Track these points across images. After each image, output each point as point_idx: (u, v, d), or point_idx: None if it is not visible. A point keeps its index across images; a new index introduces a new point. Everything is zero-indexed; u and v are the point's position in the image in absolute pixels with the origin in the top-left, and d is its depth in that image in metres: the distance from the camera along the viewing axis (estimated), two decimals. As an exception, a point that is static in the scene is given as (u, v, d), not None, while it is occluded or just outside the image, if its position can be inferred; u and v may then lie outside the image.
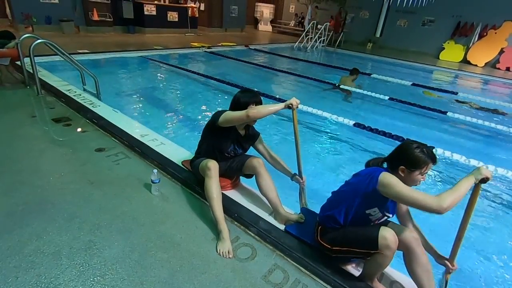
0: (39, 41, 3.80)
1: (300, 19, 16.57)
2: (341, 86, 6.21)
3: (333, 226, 1.64)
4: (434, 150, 3.60)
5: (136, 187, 2.29)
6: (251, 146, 2.29)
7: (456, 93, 7.01)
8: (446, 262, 1.62)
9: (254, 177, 2.16)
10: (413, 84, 7.26)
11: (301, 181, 2.23)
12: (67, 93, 4.05)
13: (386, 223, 1.59)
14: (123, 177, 2.39)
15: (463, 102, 6.63)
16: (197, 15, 12.16)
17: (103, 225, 1.87)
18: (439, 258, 1.66)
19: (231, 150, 2.17)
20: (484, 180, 1.38)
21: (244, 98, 2.02)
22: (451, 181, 3.36)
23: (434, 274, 1.54)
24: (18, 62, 4.17)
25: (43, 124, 3.22)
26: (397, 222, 1.71)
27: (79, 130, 3.11)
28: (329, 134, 4.40)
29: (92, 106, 3.70)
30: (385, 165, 1.61)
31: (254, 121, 2.12)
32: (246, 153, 2.28)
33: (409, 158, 1.46)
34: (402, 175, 1.49)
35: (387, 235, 1.42)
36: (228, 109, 2.07)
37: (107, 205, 2.06)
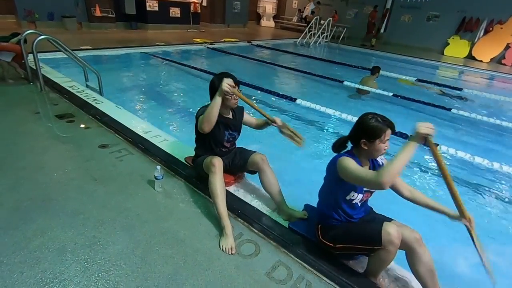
0: (42, 37, 3.80)
1: (302, 14, 16.42)
2: (360, 87, 5.88)
3: (332, 224, 1.65)
4: (438, 147, 3.59)
5: (139, 184, 2.29)
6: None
7: (460, 89, 6.94)
8: (460, 219, 1.52)
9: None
10: (418, 80, 7.20)
11: (275, 124, 2.16)
12: (70, 89, 4.06)
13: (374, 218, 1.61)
14: (127, 173, 2.40)
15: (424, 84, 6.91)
16: (199, 11, 12.10)
17: (107, 221, 1.88)
18: (451, 217, 1.59)
19: (228, 138, 2.16)
20: (427, 137, 1.36)
21: (218, 82, 1.93)
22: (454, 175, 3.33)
23: (439, 271, 1.53)
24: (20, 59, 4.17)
25: (47, 120, 3.23)
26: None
27: (82, 127, 3.11)
28: (331, 130, 4.38)
29: (95, 102, 3.70)
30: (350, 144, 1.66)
31: (235, 103, 2.10)
32: (247, 149, 2.28)
33: (366, 130, 1.49)
34: (365, 148, 1.52)
35: (390, 230, 1.41)
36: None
37: (110, 202, 2.06)
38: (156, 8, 10.56)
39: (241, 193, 2.29)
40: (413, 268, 1.51)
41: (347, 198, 1.58)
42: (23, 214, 1.85)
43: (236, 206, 2.11)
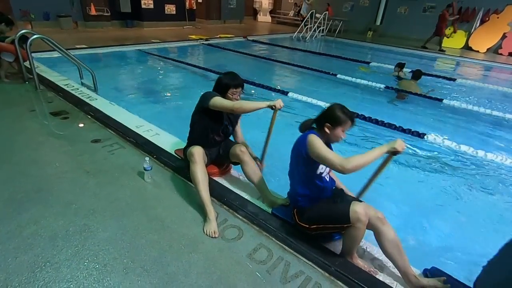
0: (35, 36, 3.87)
1: (298, 8, 16.37)
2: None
3: (306, 206, 1.74)
4: (425, 136, 3.66)
5: (130, 175, 2.38)
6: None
7: (454, 80, 6.98)
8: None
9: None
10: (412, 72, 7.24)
11: (260, 165, 2.38)
12: (65, 87, 4.14)
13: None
14: (118, 166, 2.49)
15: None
16: (194, 8, 12.12)
17: (98, 211, 1.97)
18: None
19: (224, 128, 2.26)
20: (395, 153, 1.59)
21: (225, 80, 2.13)
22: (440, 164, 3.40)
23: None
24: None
25: (42, 117, 3.32)
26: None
27: (76, 123, 3.20)
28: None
29: (90, 100, 3.79)
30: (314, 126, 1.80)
31: (239, 97, 2.21)
32: (232, 141, 2.37)
33: (332, 116, 1.67)
34: (328, 131, 1.69)
35: (357, 209, 1.51)
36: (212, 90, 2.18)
37: (101, 192, 2.15)
38: (151, 6, 10.59)
39: (227, 183, 2.37)
40: (381, 246, 1.60)
41: (317, 172, 1.71)
42: (17, 205, 1.95)
43: (222, 194, 2.20)
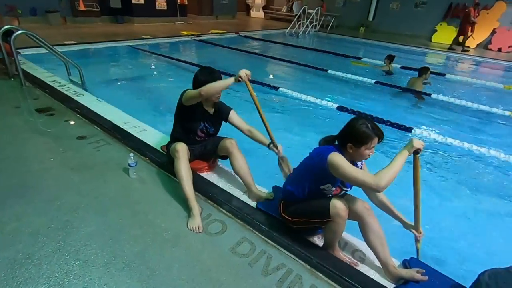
0: (19, 32, 3.81)
1: (291, 4, 16.33)
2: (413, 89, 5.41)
3: (293, 200, 1.74)
4: (413, 130, 3.70)
5: (115, 171, 2.37)
6: (227, 123, 2.33)
7: (444, 75, 7.06)
8: (412, 230, 1.74)
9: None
10: (402, 67, 7.31)
11: (276, 150, 2.19)
12: (51, 84, 4.08)
13: (343, 196, 1.69)
14: (103, 162, 2.47)
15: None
16: (186, 3, 11.98)
17: (81, 207, 1.96)
18: (406, 226, 1.78)
19: (202, 129, 2.24)
20: (417, 151, 1.49)
21: (202, 76, 2.07)
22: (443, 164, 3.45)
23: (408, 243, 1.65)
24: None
25: (27, 114, 3.28)
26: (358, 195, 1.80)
27: (62, 120, 3.16)
28: (315, 117, 4.46)
29: (76, 96, 3.75)
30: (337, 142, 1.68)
31: (217, 98, 2.17)
32: (219, 135, 2.36)
33: (354, 135, 1.52)
34: (350, 151, 1.55)
35: (336, 204, 1.53)
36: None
37: (86, 189, 2.14)
38: (142, 1, 10.44)
39: (213, 178, 2.38)
40: (365, 237, 1.63)
41: (321, 187, 1.63)
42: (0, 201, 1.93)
43: (207, 189, 2.21)
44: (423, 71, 5.46)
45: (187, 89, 2.10)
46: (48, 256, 1.59)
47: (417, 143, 1.46)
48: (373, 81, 5.91)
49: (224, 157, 2.34)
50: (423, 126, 4.15)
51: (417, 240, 1.78)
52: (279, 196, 2.09)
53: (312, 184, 1.65)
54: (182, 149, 2.03)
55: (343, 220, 1.54)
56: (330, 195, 1.66)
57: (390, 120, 3.98)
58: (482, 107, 4.87)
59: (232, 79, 1.98)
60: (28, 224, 1.78)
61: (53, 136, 2.82)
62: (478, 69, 9.21)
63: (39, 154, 2.51)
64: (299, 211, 1.69)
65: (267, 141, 2.22)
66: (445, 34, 12.37)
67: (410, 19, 13.20)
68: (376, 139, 1.50)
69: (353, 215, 1.59)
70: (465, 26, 10.84)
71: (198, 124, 2.22)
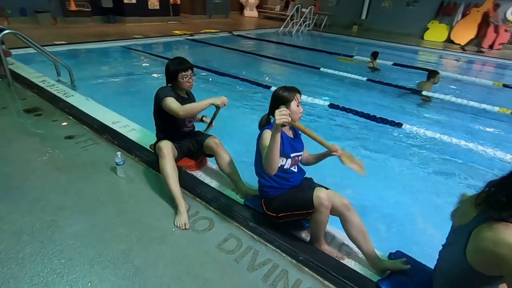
0: (7, 31, 3.77)
1: (284, 3, 16.35)
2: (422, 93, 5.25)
3: (272, 195, 1.76)
4: (403, 126, 3.74)
5: (102, 171, 2.36)
6: None
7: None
8: (332, 153, 1.72)
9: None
10: (394, 64, 7.37)
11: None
12: (40, 84, 4.04)
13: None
14: (90, 162, 2.46)
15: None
16: (179, 2, 11.91)
17: (67, 206, 1.95)
18: (326, 154, 1.81)
19: (188, 119, 2.24)
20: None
21: (173, 66, 2.10)
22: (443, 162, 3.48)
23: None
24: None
25: (14, 115, 3.24)
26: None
27: (50, 120, 3.13)
28: (306, 116, 4.48)
29: (65, 96, 3.71)
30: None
31: (189, 86, 2.20)
32: (205, 133, 2.36)
33: (280, 98, 1.69)
34: None
35: (320, 194, 1.54)
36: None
37: (72, 188, 2.13)
38: (134, 1, 10.37)
39: (201, 175, 2.38)
40: (347, 232, 1.64)
41: (279, 165, 1.68)
42: (-18, 203, 1.91)
43: (195, 187, 2.21)
44: (432, 74, 5.38)
45: (164, 94, 2.08)
46: (32, 256, 1.58)
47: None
48: (364, 78, 5.94)
49: (211, 156, 2.34)
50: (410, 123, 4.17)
51: (340, 157, 1.71)
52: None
53: None
54: (166, 146, 2.03)
55: (326, 209, 1.55)
56: (292, 169, 1.76)
57: (382, 117, 4.02)
58: (482, 104, 4.87)
59: (208, 102, 2.05)
60: (11, 224, 1.77)
61: (41, 137, 2.79)
62: (468, 66, 9.32)
63: (25, 154, 2.49)
64: (283, 206, 1.70)
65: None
66: (436, 31, 12.49)
67: (402, 17, 13.28)
68: (298, 94, 1.71)
69: (333, 210, 1.61)
70: (483, 27, 10.71)
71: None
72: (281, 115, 1.37)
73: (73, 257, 1.59)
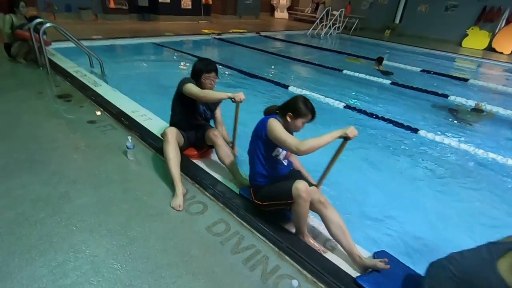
0: (48, 25, 4.17)
1: (316, 5, 16.22)
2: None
3: (260, 184, 1.84)
4: (418, 132, 3.61)
5: (115, 153, 2.57)
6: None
7: (467, 80, 6.77)
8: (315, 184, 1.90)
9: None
10: (422, 71, 7.11)
11: (233, 149, 2.57)
12: (73, 73, 4.42)
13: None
14: (106, 144, 2.68)
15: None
16: (210, 2, 12.31)
17: (79, 181, 2.17)
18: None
19: (201, 112, 2.40)
20: (348, 138, 1.66)
21: (198, 66, 2.26)
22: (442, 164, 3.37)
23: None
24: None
25: (47, 99, 3.59)
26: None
27: (77, 105, 3.44)
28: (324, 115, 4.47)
29: (94, 85, 4.04)
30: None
31: (210, 87, 2.32)
32: (208, 125, 2.50)
33: (295, 107, 1.76)
34: (289, 120, 1.78)
35: (298, 185, 1.60)
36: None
37: (86, 166, 2.35)
38: (168, 0, 10.88)
39: (204, 164, 2.51)
40: (327, 228, 1.69)
41: (273, 154, 1.80)
42: (10, 172, 2.18)
43: (195, 173, 2.34)
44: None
45: (186, 81, 2.23)
46: (44, 219, 1.79)
47: (351, 131, 1.64)
48: (388, 82, 5.80)
49: (211, 146, 2.47)
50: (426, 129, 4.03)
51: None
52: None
53: (264, 153, 1.82)
54: (171, 132, 2.18)
55: (304, 201, 1.60)
56: (282, 160, 1.84)
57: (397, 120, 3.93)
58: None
59: (226, 95, 2.16)
60: (31, 192, 2.00)
61: (67, 120, 3.08)
62: (507, 75, 8.69)
63: (52, 134, 2.77)
64: (268, 194, 1.78)
65: (229, 139, 2.65)
66: (476, 39, 11.78)
67: (439, 22, 12.69)
68: (310, 116, 1.77)
69: (311, 206, 1.68)
70: None
71: (198, 107, 2.36)
72: (354, 133, 1.63)
73: (77, 225, 1.78)
